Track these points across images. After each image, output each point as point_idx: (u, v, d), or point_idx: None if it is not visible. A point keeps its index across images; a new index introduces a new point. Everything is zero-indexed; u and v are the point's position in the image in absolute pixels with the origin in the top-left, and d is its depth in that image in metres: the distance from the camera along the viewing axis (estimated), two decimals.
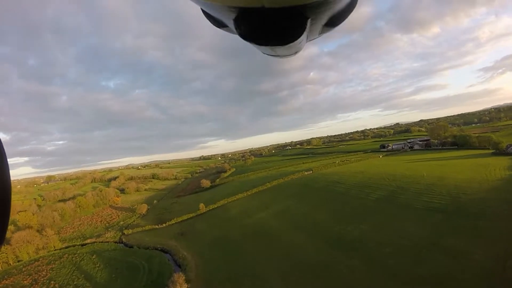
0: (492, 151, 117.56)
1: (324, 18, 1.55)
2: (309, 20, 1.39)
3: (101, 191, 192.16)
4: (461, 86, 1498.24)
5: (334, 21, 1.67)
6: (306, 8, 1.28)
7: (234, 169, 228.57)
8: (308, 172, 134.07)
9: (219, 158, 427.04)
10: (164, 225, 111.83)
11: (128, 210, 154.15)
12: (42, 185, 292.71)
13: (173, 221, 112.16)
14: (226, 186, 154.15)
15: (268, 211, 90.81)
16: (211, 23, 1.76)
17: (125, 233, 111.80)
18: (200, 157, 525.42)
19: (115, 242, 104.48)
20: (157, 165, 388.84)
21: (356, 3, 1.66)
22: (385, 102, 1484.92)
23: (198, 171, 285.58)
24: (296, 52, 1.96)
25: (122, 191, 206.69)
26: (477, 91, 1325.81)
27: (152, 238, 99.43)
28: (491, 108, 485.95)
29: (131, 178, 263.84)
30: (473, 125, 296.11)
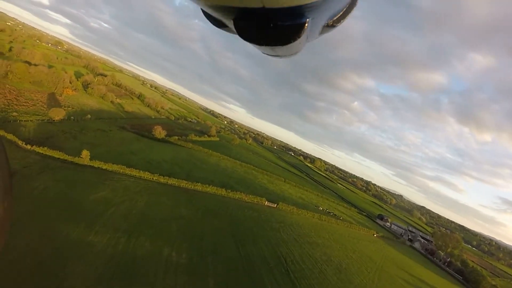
0: None
1: (324, 19, 1.51)
2: (309, 20, 1.33)
3: (56, 72, 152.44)
4: (474, 200, 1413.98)
5: (334, 22, 1.61)
6: (306, 8, 1.22)
7: (218, 139, 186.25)
8: (270, 204, 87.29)
9: (225, 122, 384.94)
10: (27, 146, 70.26)
11: (52, 106, 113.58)
12: (43, 43, 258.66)
13: (36, 148, 69.72)
14: (167, 149, 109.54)
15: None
16: (211, 23, 1.69)
17: None
18: (210, 110, 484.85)
19: None
20: (164, 92, 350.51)
21: (356, 3, 1.58)
22: (401, 169, 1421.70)
23: (190, 119, 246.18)
24: (296, 53, 1.84)
25: (86, 87, 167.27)
26: (484, 214, 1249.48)
27: None
28: (491, 240, 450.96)
29: (118, 85, 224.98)
30: (470, 246, 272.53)
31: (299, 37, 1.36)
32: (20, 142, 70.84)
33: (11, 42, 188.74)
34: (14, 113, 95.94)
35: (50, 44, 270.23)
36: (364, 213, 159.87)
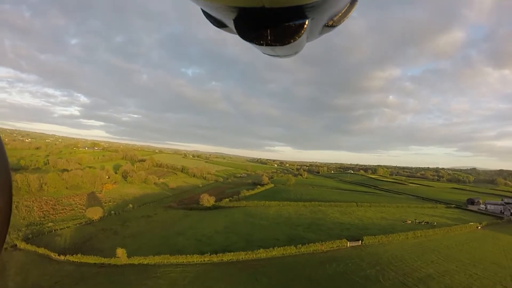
0: None
1: (324, 18, 1.55)
2: (309, 20, 1.37)
3: (92, 171, 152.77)
4: None
5: (334, 22, 1.65)
6: (306, 8, 1.26)
7: (273, 185, 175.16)
8: (354, 244, 70.24)
9: (275, 165, 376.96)
10: (61, 257, 63.92)
11: (91, 205, 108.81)
12: (80, 149, 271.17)
13: (70, 257, 63.23)
14: (219, 216, 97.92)
15: None
16: (211, 23, 1.74)
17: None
18: (257, 159, 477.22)
19: None
20: (207, 157, 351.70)
21: (356, 3, 1.63)
22: (462, 142, 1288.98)
23: (239, 175, 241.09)
24: (296, 53, 1.92)
25: (126, 177, 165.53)
26: None
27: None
28: None
29: (159, 165, 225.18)
30: None
31: (299, 37, 1.38)
32: (53, 255, 65.14)
33: (47, 156, 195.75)
34: (50, 224, 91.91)
35: (86, 148, 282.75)
36: (453, 205, 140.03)
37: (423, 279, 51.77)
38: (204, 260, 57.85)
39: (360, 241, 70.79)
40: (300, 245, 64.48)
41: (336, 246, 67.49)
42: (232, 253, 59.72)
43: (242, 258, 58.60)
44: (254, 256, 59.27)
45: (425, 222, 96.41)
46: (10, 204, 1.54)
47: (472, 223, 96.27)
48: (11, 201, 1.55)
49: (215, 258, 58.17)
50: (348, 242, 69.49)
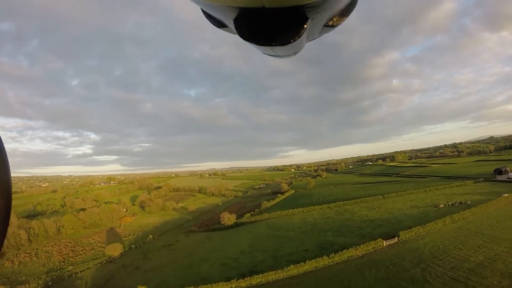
0: None
1: (324, 18, 1.56)
2: (309, 20, 1.38)
3: (108, 207, 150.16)
4: None
5: (334, 21, 1.67)
6: (306, 8, 1.27)
7: (293, 191, 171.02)
8: (390, 242, 63.85)
9: (293, 170, 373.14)
10: None
11: (111, 242, 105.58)
12: (96, 185, 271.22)
13: None
14: (242, 234, 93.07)
15: None
16: (211, 23, 1.74)
17: None
18: (274, 167, 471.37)
19: None
20: (224, 174, 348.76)
21: (356, 3, 1.64)
22: (474, 112, 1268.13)
23: (258, 186, 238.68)
24: (296, 53, 1.93)
25: (143, 208, 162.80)
26: None
27: None
28: None
29: (176, 190, 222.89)
30: None
31: (299, 37, 1.39)
32: None
33: (64, 197, 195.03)
34: (70, 267, 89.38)
35: (102, 184, 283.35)
36: (481, 178, 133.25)
37: (474, 269, 45.81)
38: (231, 287, 53.16)
39: (396, 238, 64.84)
40: (332, 254, 58.89)
41: (372, 248, 61.50)
42: (260, 274, 54.64)
43: (272, 278, 53.47)
44: (285, 274, 53.93)
45: (458, 202, 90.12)
46: (10, 204, 1.54)
47: (506, 195, 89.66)
48: (11, 201, 1.56)
49: (242, 283, 53.14)
50: (384, 241, 63.55)
